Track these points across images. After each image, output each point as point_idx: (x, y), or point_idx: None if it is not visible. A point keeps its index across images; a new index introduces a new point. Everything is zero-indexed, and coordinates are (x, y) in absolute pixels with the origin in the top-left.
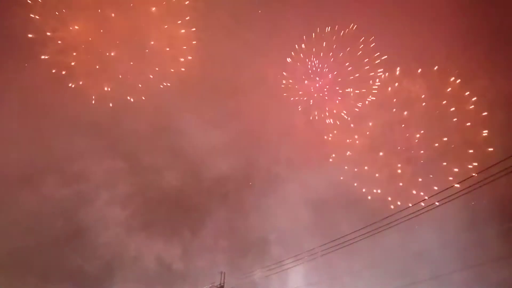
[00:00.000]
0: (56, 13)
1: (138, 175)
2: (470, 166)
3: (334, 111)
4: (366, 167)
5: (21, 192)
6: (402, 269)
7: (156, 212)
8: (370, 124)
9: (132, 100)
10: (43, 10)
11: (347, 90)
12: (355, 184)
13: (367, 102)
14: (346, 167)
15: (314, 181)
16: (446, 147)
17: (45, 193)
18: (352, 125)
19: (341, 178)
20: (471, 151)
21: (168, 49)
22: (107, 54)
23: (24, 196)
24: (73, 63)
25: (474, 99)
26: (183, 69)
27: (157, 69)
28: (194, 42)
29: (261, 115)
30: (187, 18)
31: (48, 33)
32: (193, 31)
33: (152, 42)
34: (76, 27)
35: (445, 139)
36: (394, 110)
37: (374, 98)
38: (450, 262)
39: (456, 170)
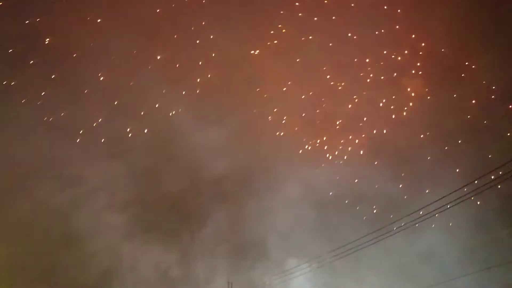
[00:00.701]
0: (26, 21)
1: (133, 178)
2: (492, 177)
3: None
4: (356, 180)
5: (13, 197)
6: (410, 272)
7: (154, 217)
8: (365, 125)
9: (130, 134)
10: (3, 16)
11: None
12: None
13: (355, 99)
14: (338, 178)
15: (314, 181)
16: (459, 151)
17: (38, 198)
18: (347, 126)
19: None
20: (490, 155)
21: (178, 65)
22: (98, 75)
23: (17, 201)
24: (43, 93)
25: (493, 87)
26: (198, 91)
27: (164, 91)
28: (213, 55)
29: (258, 113)
30: (203, 23)
31: (11, 50)
32: (211, 39)
33: (159, 57)
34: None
35: (459, 141)
36: (392, 107)
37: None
38: (462, 264)
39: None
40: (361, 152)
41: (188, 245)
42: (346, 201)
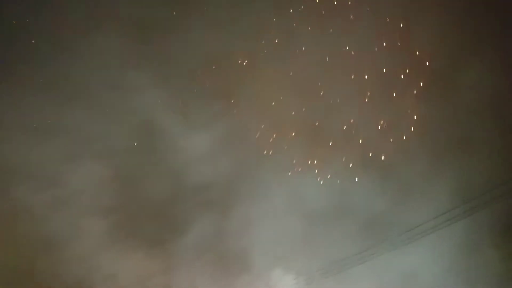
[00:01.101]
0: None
1: (116, 182)
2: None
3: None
4: (346, 197)
5: None
6: None
7: (134, 224)
8: (360, 146)
9: (114, 139)
10: None
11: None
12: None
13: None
14: (327, 195)
15: (303, 198)
16: (452, 169)
17: (15, 201)
18: (340, 146)
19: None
20: (484, 174)
21: (170, 70)
22: (87, 79)
23: None
24: (27, 96)
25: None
26: (188, 97)
27: (152, 96)
28: (213, 67)
29: (248, 118)
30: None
31: None
32: (206, 45)
33: (150, 61)
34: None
35: (454, 158)
36: (390, 127)
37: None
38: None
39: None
40: (354, 171)
41: (170, 254)
42: (335, 218)
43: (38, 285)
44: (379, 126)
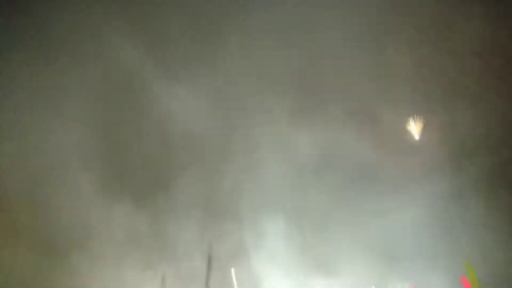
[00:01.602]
0: None
1: (102, 139)
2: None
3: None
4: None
5: None
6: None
7: (124, 178)
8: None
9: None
10: None
11: None
12: None
13: None
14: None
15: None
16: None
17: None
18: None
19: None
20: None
21: None
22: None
23: None
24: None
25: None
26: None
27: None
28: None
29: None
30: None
31: None
32: None
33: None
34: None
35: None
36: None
37: None
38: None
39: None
40: (344, 123)
41: (159, 204)
42: (324, 169)
43: (34, 238)
44: (369, 75)
